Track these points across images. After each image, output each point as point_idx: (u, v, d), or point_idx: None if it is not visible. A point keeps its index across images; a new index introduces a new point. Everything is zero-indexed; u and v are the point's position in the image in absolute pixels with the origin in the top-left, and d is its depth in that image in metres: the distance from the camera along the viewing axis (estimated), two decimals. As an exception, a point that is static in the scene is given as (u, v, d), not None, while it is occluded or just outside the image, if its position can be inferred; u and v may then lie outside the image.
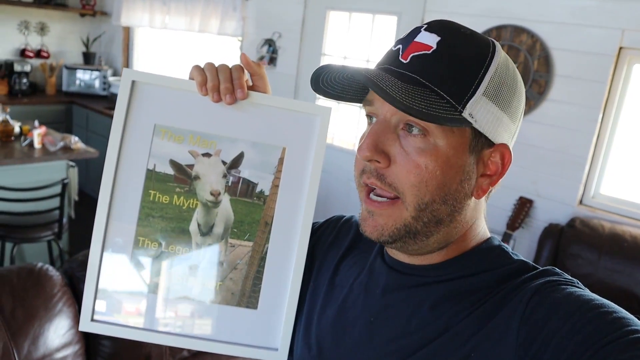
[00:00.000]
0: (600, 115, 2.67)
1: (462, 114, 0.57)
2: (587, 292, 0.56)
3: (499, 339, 0.56)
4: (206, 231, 0.73)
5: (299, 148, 0.74)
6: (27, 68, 4.90)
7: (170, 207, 0.73)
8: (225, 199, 0.73)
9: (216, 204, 0.73)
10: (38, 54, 5.19)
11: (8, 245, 3.00)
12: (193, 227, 0.73)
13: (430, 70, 0.57)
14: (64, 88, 5.19)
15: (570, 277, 0.59)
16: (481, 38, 0.60)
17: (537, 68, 2.79)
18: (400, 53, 0.60)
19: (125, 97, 0.71)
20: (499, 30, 2.90)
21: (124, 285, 0.73)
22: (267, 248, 0.74)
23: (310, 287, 0.78)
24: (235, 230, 0.74)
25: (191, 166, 0.72)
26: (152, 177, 0.72)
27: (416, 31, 0.61)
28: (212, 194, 0.73)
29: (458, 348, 0.58)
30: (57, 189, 2.90)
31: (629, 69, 2.64)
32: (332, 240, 0.81)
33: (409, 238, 0.61)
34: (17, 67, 4.83)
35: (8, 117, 3.28)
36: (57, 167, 3.20)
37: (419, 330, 0.62)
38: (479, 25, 2.97)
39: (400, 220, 0.60)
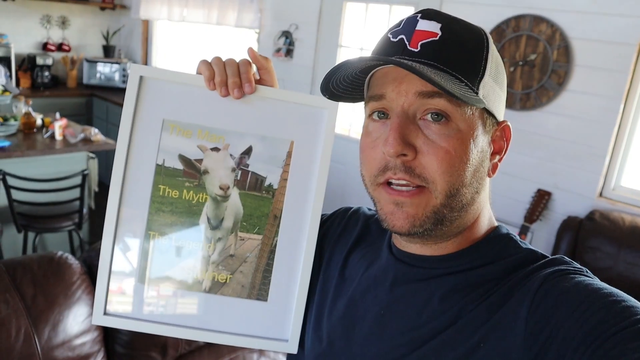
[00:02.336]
0: (622, 106, 2.61)
1: (479, 95, 0.58)
2: (596, 281, 0.56)
3: (507, 328, 0.56)
4: (216, 225, 0.74)
5: (307, 141, 0.74)
6: (49, 61, 4.98)
7: (179, 201, 0.73)
8: (235, 193, 0.74)
9: (225, 198, 0.74)
10: (59, 47, 5.27)
11: (30, 235, 3.08)
12: (203, 221, 0.74)
13: (444, 55, 0.58)
14: (85, 81, 5.27)
15: (579, 266, 0.59)
16: (470, 24, 0.62)
17: (556, 58, 2.74)
18: (407, 43, 0.59)
19: (133, 92, 0.71)
20: (517, 19, 2.85)
21: (135, 278, 0.74)
22: (277, 241, 0.75)
23: (320, 279, 0.78)
24: (244, 223, 0.74)
25: (200, 161, 0.73)
26: (162, 172, 0.73)
27: (413, 21, 0.61)
28: (221, 188, 0.73)
29: (467, 338, 0.58)
30: (78, 180, 2.95)
31: (652, 59, 2.58)
32: (340, 232, 0.81)
33: (436, 225, 0.61)
34: (40, 61, 4.91)
35: (30, 109, 3.35)
36: (77, 159, 3.26)
37: (429, 322, 0.62)
38: (497, 14, 2.93)
39: (429, 207, 0.60)
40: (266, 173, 0.74)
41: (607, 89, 2.63)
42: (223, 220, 0.74)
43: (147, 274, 0.74)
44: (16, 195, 2.83)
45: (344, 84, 0.65)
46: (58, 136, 3.23)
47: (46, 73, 4.97)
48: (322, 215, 0.86)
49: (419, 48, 0.58)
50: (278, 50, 4.07)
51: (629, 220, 2.54)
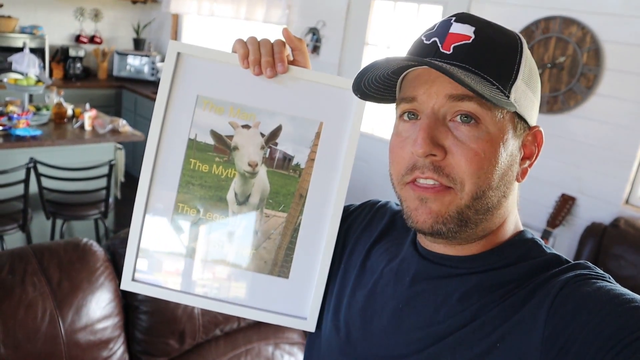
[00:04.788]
0: (653, 112, 2.55)
1: (510, 99, 0.58)
2: (617, 287, 0.56)
3: (525, 330, 0.56)
4: (242, 200, 0.76)
5: (336, 123, 0.75)
6: (81, 53, 5.10)
7: (209, 175, 0.75)
8: (262, 170, 0.75)
9: (253, 174, 0.75)
10: (92, 39, 5.38)
11: (58, 222, 3.17)
12: (230, 196, 0.76)
13: (476, 58, 0.58)
14: (115, 73, 5.38)
15: (601, 272, 0.59)
16: (504, 28, 0.62)
17: (586, 61, 2.69)
18: (440, 45, 0.60)
19: (170, 68, 0.73)
20: (547, 21, 2.81)
21: (163, 248, 0.77)
22: (301, 220, 0.76)
23: (341, 269, 0.79)
24: (270, 201, 0.76)
25: (231, 137, 0.75)
26: (193, 146, 0.75)
27: (447, 24, 0.61)
28: (249, 164, 0.75)
29: (484, 338, 0.58)
30: (105, 170, 3.02)
31: (685, 64, 2.51)
32: (366, 224, 0.81)
33: (460, 227, 0.61)
34: (72, 52, 5.03)
35: (62, 99, 3.44)
36: (105, 149, 3.33)
37: (446, 319, 0.62)
38: (527, 16, 2.89)
39: (453, 206, 0.60)
40: (294, 152, 0.75)
41: (637, 94, 2.58)
42: (250, 196, 0.76)
43: (174, 245, 0.76)
44: (46, 183, 2.92)
45: (375, 84, 0.65)
46: (87, 127, 3.31)
47: (78, 64, 5.08)
48: (349, 205, 0.87)
49: (451, 50, 0.59)
50: (304, 47, 4.08)
51: (655, 228, 2.48)
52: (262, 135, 0.75)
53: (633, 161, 2.62)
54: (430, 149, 0.58)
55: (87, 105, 3.54)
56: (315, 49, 4.05)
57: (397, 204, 0.84)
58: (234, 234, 0.76)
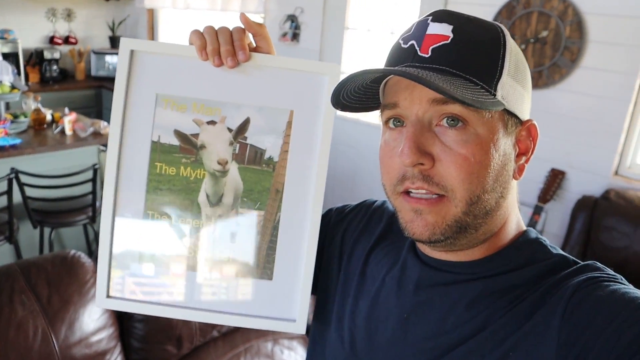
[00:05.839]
0: (638, 82, 2.55)
1: (496, 97, 0.56)
2: (631, 289, 0.54)
3: (538, 338, 0.55)
4: (215, 202, 0.72)
5: (307, 110, 0.71)
6: (57, 55, 4.99)
7: (177, 178, 0.72)
8: (233, 168, 0.72)
9: (224, 173, 0.72)
10: (66, 40, 5.27)
11: (46, 231, 3.11)
12: (202, 198, 0.72)
13: (456, 59, 0.56)
14: (93, 73, 5.28)
15: (613, 273, 0.57)
16: (485, 21, 0.60)
17: (569, 34, 2.67)
18: (417, 49, 0.57)
19: (124, 67, 0.69)
20: (528, -4, 2.78)
21: (136, 260, 0.73)
22: (280, 216, 0.73)
23: (341, 275, 0.76)
24: (245, 199, 0.72)
25: (196, 135, 0.71)
26: (158, 149, 0.71)
27: (424, 25, 0.58)
28: (219, 162, 0.71)
29: (496, 347, 0.57)
30: (89, 175, 2.97)
31: (668, 31, 2.50)
32: (363, 227, 0.79)
33: (459, 233, 0.59)
34: (47, 55, 4.92)
35: (40, 105, 3.36)
36: (88, 153, 3.27)
37: (455, 328, 0.61)
38: (506, -9, 2.85)
39: (450, 216, 0.58)
40: (266, 145, 0.72)
41: (622, 65, 2.57)
42: (223, 196, 0.72)
43: (148, 254, 0.73)
44: (30, 192, 2.86)
45: (355, 95, 0.63)
46: (68, 131, 3.24)
47: (54, 67, 4.98)
48: (345, 206, 0.85)
49: (429, 53, 0.56)
50: (284, 35, 4.02)
51: (645, 198, 2.49)
52: (230, 130, 0.71)
53: (620, 132, 2.63)
54: (417, 159, 0.56)
55: (67, 110, 3.47)
56: (295, 37, 3.99)
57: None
58: (210, 237, 0.73)
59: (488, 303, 0.60)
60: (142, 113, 0.70)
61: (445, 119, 0.57)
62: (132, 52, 0.69)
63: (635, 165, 2.70)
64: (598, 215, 2.55)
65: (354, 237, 0.78)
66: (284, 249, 0.73)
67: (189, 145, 0.71)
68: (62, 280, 1.52)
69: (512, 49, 0.59)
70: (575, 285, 0.55)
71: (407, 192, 0.59)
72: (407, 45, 0.59)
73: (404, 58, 0.58)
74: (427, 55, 0.56)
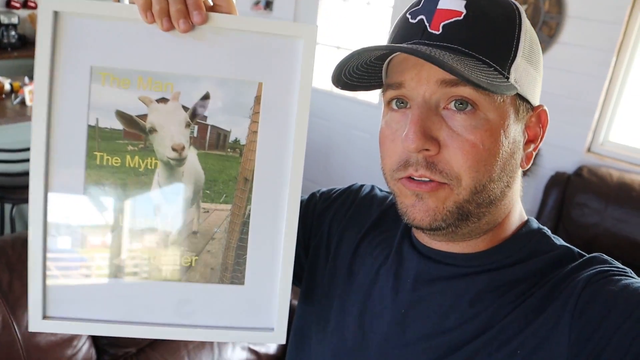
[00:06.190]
0: (614, 59, 2.54)
1: (509, 81, 0.53)
2: None
3: (548, 335, 0.53)
4: (172, 196, 0.61)
5: (279, 82, 0.59)
6: (15, 20, 4.72)
7: (123, 170, 0.59)
8: (192, 154, 0.60)
9: (180, 161, 0.60)
10: (25, 4, 4.98)
11: (7, 207, 2.98)
12: (155, 193, 0.61)
13: (469, 37, 0.52)
14: (55, 39, 5.03)
15: (622, 266, 0.56)
16: None
17: (547, 9, 2.63)
18: (427, 25, 0.53)
19: (47, 34, 0.55)
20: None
21: (77, 272, 0.61)
22: (250, 210, 0.62)
23: (328, 267, 0.72)
24: (207, 191, 0.61)
25: (144, 116, 0.59)
26: (96, 135, 0.58)
27: None
28: (174, 149, 0.60)
29: (503, 345, 0.55)
30: (53, 148, 2.84)
31: (647, 6, 2.50)
32: (352, 213, 0.74)
33: (461, 221, 0.56)
34: (4, 20, 4.65)
35: (-3, 74, 3.17)
36: (51, 125, 3.13)
37: (458, 326, 0.58)
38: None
39: (451, 202, 0.55)
40: (230, 126, 0.60)
41: (599, 42, 2.55)
42: (180, 189, 0.61)
43: (92, 264, 0.61)
44: (-12, 166, 2.72)
45: (357, 72, 0.58)
46: (29, 102, 3.08)
47: (12, 32, 4.72)
48: (331, 189, 0.77)
49: (440, 30, 0.53)
50: (257, 3, 3.88)
51: (616, 176, 2.53)
52: (186, 109, 0.59)
53: (595, 109, 2.64)
54: (422, 144, 0.52)
55: (27, 79, 3.29)
56: (268, 5, 3.86)
57: (381, 190, 0.79)
58: (168, 239, 0.62)
59: (493, 298, 0.57)
60: (74, 92, 0.57)
61: (453, 102, 0.53)
62: (56, 14, 0.56)
63: (608, 142, 2.73)
64: (570, 191, 2.58)
65: (342, 224, 0.74)
66: (257, 248, 0.63)
67: (135, 129, 0.59)
68: (24, 264, 1.44)
69: (527, 29, 0.55)
70: (586, 279, 0.53)
71: (408, 177, 0.56)
72: (416, 20, 0.55)
73: (412, 34, 0.54)
74: (437, 32, 0.53)
